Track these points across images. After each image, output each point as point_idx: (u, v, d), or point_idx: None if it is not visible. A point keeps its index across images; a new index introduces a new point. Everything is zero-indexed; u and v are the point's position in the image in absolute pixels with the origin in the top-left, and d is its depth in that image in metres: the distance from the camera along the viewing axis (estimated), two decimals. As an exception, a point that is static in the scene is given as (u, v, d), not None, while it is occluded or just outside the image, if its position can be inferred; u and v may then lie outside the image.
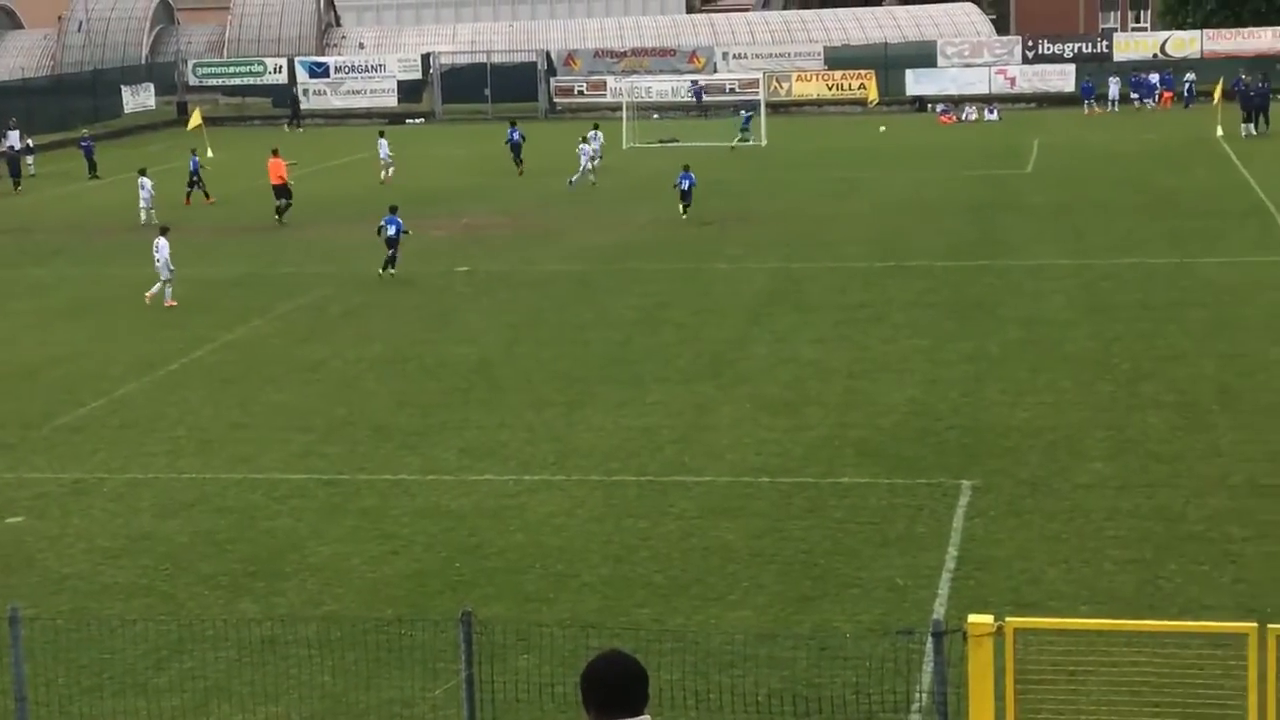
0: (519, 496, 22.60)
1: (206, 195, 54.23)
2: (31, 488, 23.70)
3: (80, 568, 20.33)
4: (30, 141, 66.94)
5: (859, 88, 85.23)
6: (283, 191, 50.50)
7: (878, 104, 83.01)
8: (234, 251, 44.63)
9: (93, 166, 64.22)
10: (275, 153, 51.66)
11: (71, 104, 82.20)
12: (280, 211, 50.23)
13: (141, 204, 49.90)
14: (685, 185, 47.08)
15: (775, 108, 78.35)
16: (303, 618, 18.06)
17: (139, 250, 42.03)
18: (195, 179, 54.46)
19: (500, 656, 15.86)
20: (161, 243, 36.55)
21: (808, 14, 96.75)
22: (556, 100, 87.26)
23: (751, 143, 67.89)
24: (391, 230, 38.90)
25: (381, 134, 61.47)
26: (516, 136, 60.51)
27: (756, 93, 75.21)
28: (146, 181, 50.09)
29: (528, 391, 28.41)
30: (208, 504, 22.71)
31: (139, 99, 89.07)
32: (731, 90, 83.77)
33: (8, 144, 64.69)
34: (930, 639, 13.32)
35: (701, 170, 53.76)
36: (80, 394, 29.13)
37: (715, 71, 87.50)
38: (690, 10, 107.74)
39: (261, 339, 33.32)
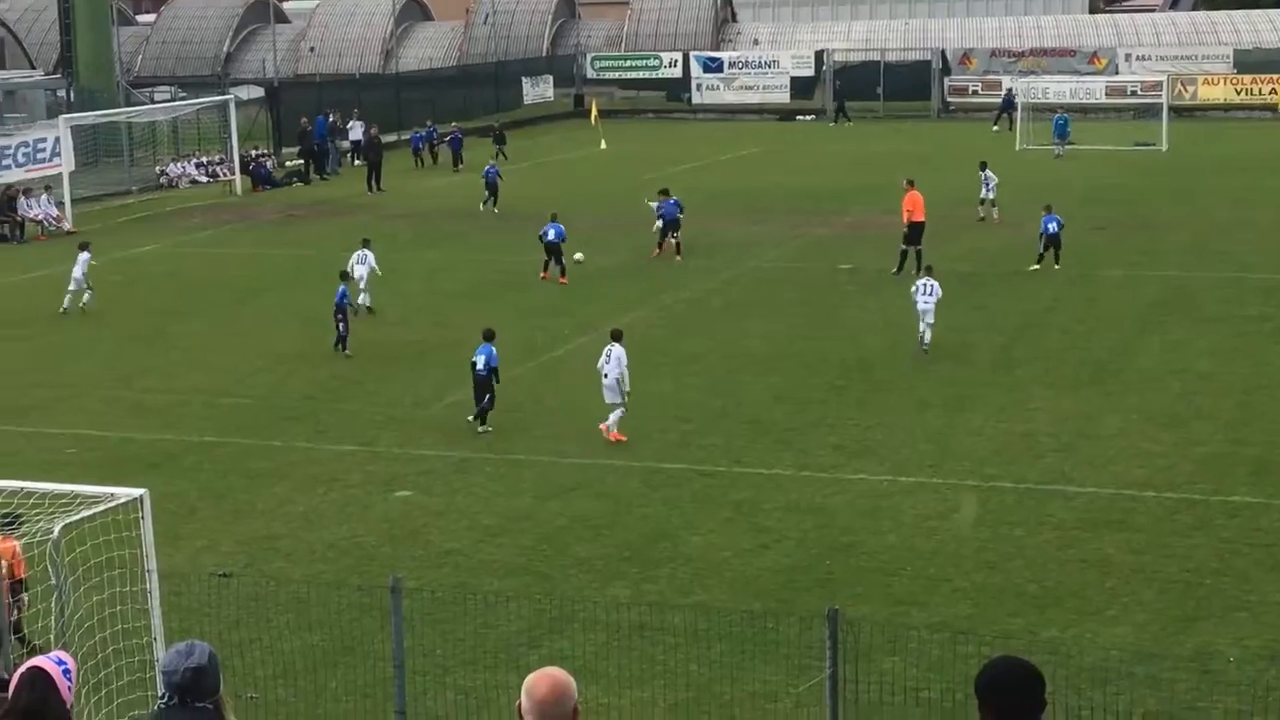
0: (893, 497, 22.35)
1: (494, 204, 52.86)
2: (420, 464, 24.52)
3: (462, 543, 20.92)
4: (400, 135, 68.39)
5: (1269, 92, 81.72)
6: (919, 230, 39.42)
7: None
8: (619, 242, 45.34)
9: (458, 159, 65.41)
10: (912, 184, 40.58)
11: (475, 94, 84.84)
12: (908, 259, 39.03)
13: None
14: (481, 363, 26.66)
15: (1178, 112, 75.70)
16: (672, 605, 18.21)
17: (523, 237, 43.14)
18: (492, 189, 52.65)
19: (866, 656, 15.66)
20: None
21: (1217, 15, 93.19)
22: (950, 100, 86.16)
23: (1152, 146, 65.79)
24: (551, 235, 38.71)
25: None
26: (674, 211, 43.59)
27: (1159, 95, 72.84)
28: (366, 254, 36.38)
29: (907, 392, 28.09)
30: (587, 488, 23.12)
31: (538, 90, 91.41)
32: (1133, 93, 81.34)
33: (351, 137, 66.62)
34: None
35: (1095, 176, 52.26)
36: (469, 375, 29.95)
37: (1116, 73, 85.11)
38: (1093, 10, 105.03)
39: (644, 328, 33.74)
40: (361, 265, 35.75)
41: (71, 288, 36.73)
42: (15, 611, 15.53)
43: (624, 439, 25.19)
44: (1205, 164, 58.99)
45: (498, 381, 26.51)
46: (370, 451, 25.23)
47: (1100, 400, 27.25)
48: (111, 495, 14.80)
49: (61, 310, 36.60)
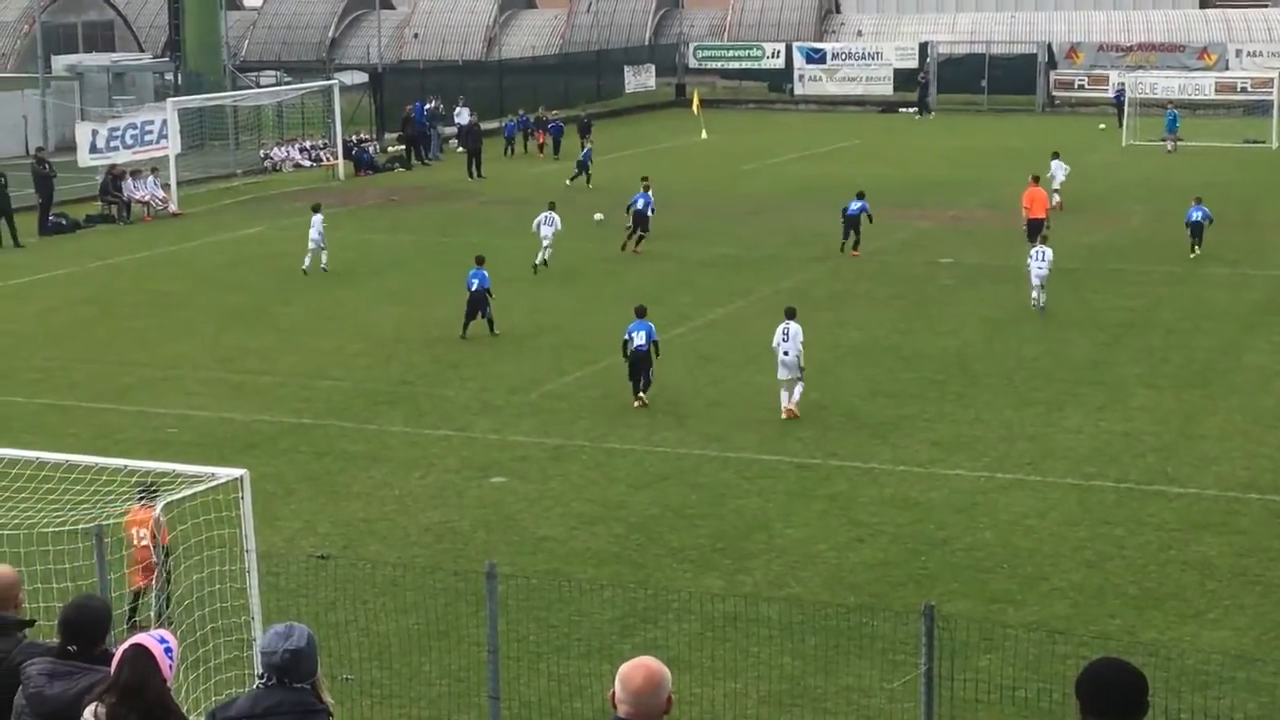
0: (990, 494, 22.17)
1: (587, 180, 54.54)
2: (515, 450, 24.58)
3: (556, 530, 20.96)
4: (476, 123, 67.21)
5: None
6: (1038, 227, 38.20)
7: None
8: (720, 232, 45.23)
9: (557, 146, 65.53)
10: (1036, 180, 41.59)
11: (576, 83, 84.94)
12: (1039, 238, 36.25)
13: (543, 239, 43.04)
14: (641, 340, 27.10)
15: (1288, 108, 74.55)
16: (766, 597, 18.15)
17: (613, 229, 43.23)
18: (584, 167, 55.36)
19: (962, 654, 15.55)
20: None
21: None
22: (1055, 94, 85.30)
23: (1261, 144, 64.84)
24: (475, 284, 32.32)
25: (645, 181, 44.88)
26: (854, 209, 41.90)
27: (1270, 92, 71.76)
28: (552, 215, 39.78)
29: (1005, 388, 27.84)
30: (680, 478, 23.09)
31: (640, 79, 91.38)
32: (1243, 89, 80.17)
33: (458, 121, 66.74)
34: None
35: (1203, 172, 51.68)
36: (565, 362, 30.07)
37: (1227, 69, 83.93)
38: (1203, 5, 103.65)
39: (743, 319, 33.65)
40: (548, 226, 39.66)
41: (311, 247, 39.62)
42: (164, 576, 16.14)
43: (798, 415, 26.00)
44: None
45: (658, 355, 27.05)
46: (466, 437, 25.33)
47: (1203, 400, 26.90)
48: (212, 475, 14.94)
49: (303, 269, 39.54)
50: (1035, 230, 38.06)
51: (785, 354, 26.25)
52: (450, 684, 16.23)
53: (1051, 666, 15.38)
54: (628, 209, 42.24)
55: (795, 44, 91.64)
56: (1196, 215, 40.33)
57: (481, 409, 26.97)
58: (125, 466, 15.45)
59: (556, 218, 39.63)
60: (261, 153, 62.56)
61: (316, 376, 29.24)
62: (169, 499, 15.20)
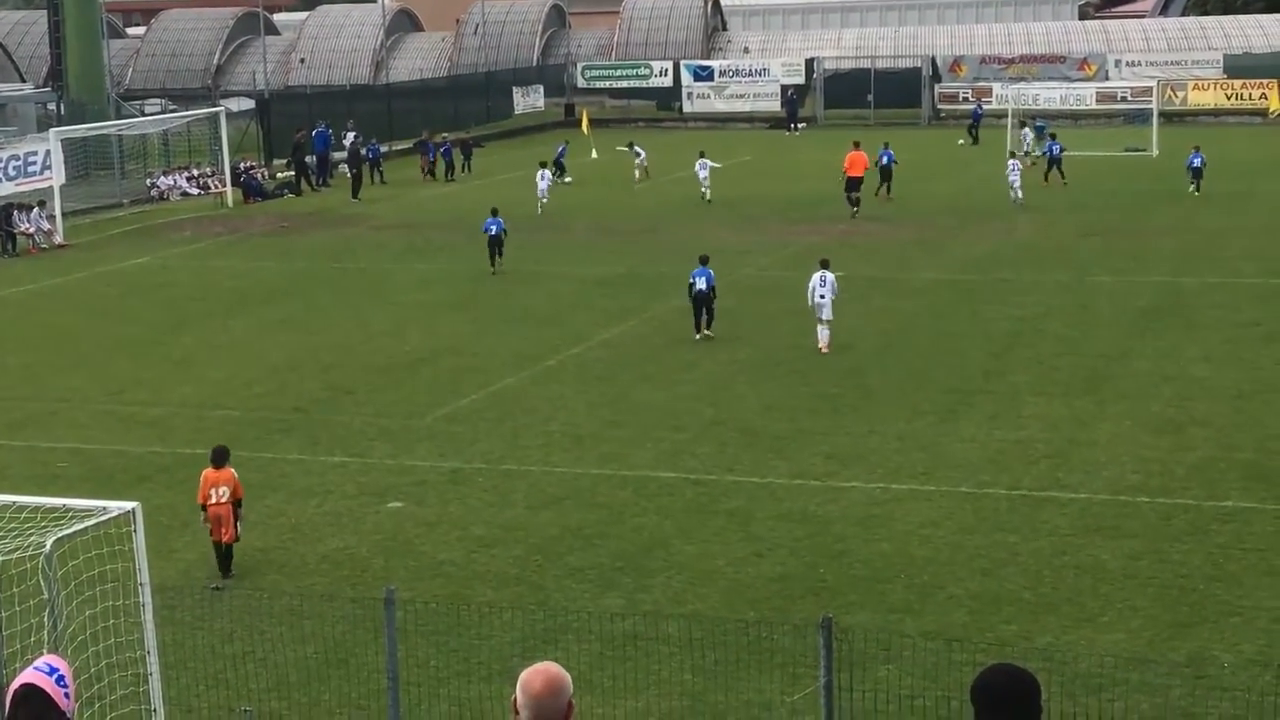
0: (886, 505, 22.34)
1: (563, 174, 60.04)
2: (412, 474, 24.49)
3: (455, 554, 20.89)
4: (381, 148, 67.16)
5: (1260, 97, 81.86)
6: (855, 184, 50.33)
7: (1278, 115, 79.63)
8: (612, 251, 45.34)
9: (450, 169, 65.54)
10: (857, 145, 51.74)
11: (465, 105, 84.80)
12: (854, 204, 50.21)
13: (539, 195, 53.09)
14: (702, 284, 32.97)
15: (1169, 117, 75.85)
16: (666, 615, 18.19)
17: (518, 246, 43.26)
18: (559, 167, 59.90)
19: (861, 665, 15.66)
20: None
21: (1207, 20, 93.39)
22: (940, 107, 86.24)
23: (1143, 152, 65.86)
24: (494, 229, 41.64)
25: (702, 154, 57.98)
26: (885, 160, 54.76)
27: (1149, 101, 72.99)
28: (546, 173, 54.23)
29: (899, 400, 28.09)
30: (579, 498, 23.09)
31: (529, 100, 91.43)
32: (1124, 99, 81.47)
33: (348, 147, 66.23)
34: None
35: (1086, 181, 52.51)
36: (461, 386, 29.99)
37: (1107, 79, 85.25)
38: (1083, 17, 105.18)
39: (637, 339, 33.75)
40: (543, 181, 52.64)
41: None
42: (238, 526, 20.13)
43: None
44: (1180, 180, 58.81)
45: (715, 298, 32.85)
46: (362, 463, 25.20)
47: (1093, 407, 27.26)
48: (104, 509, 14.75)
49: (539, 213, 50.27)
50: (853, 186, 49.53)
51: (822, 298, 31.18)
52: (351, 713, 16.13)
53: (949, 675, 15.52)
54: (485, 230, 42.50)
55: (683, 62, 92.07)
56: (1196, 161, 51.52)
57: (377, 434, 26.84)
58: (14, 503, 15.22)
59: (709, 161, 53.99)
60: (148, 182, 61.95)
61: (210, 406, 28.97)
62: (60, 534, 14.99)
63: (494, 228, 41.58)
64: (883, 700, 15.19)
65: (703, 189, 54.95)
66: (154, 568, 15.37)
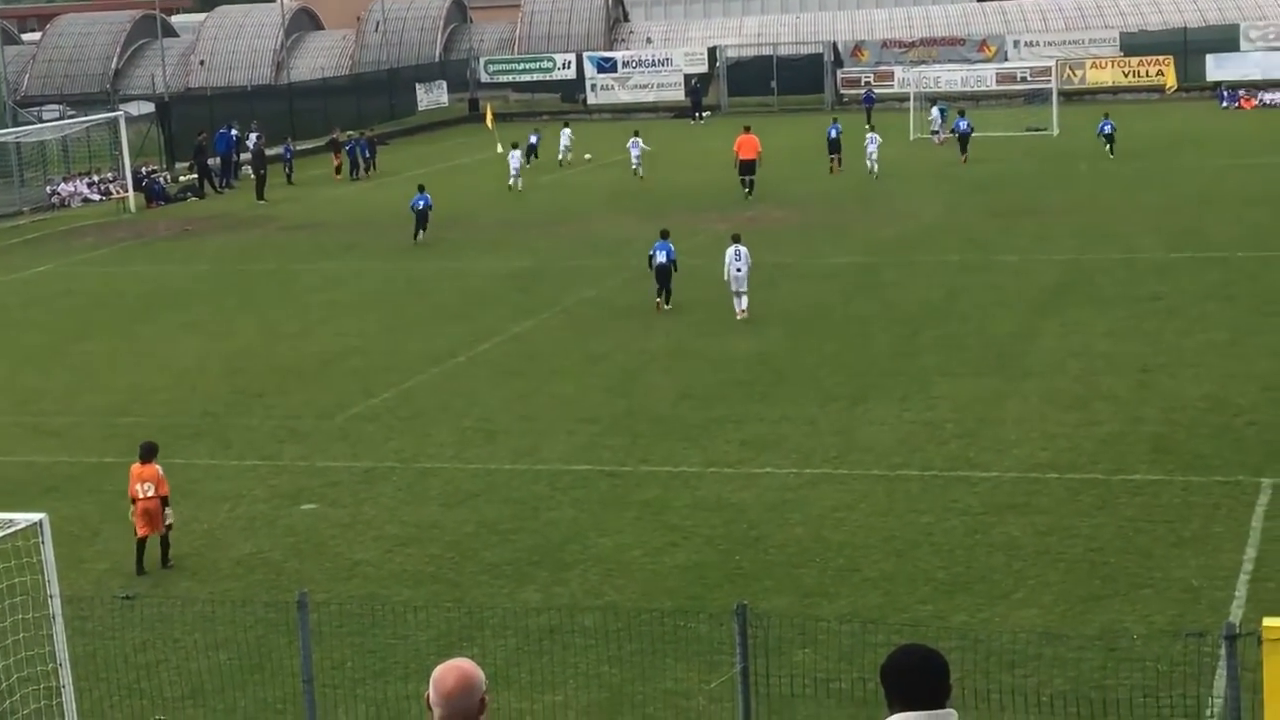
0: (800, 490, 22.45)
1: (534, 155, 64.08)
2: (325, 476, 24.35)
3: (370, 554, 20.80)
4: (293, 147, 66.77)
5: (1157, 74, 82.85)
6: (749, 167, 52.18)
7: (1176, 90, 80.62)
8: (521, 245, 45.27)
9: (355, 167, 65.12)
10: (748, 129, 54.38)
11: (369, 103, 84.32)
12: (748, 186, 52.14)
13: (511, 174, 57.78)
14: (662, 258, 34.66)
15: (1068, 96, 76.57)
16: (583, 607, 18.19)
17: (424, 246, 43.14)
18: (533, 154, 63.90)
19: (778, 650, 15.73)
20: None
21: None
22: (843, 92, 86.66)
23: (1043, 131, 66.50)
24: (421, 205, 46.02)
25: (636, 133, 61.87)
26: (834, 133, 59.12)
27: (1048, 81, 73.69)
28: (516, 153, 58.53)
29: (810, 385, 28.22)
30: (493, 494, 23.05)
31: (432, 96, 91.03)
32: (1024, 79, 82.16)
33: (252, 148, 65.71)
34: (1224, 642, 12.80)
35: (988, 163, 52.97)
36: (372, 385, 29.85)
37: (1007, 60, 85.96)
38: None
39: (547, 332, 33.72)
40: (514, 161, 57.25)
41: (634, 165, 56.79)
42: (166, 523, 20.46)
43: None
44: (1095, 148, 59.62)
45: (676, 270, 34.25)
46: (273, 466, 25.02)
47: (1001, 385, 27.50)
48: (10, 521, 14.58)
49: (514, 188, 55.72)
50: (747, 170, 51.31)
51: (738, 270, 32.92)
52: (269, 718, 16.02)
53: (866, 656, 15.59)
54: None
55: (586, 54, 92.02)
56: (1107, 128, 57.02)
57: (288, 436, 26.67)
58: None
59: (640, 141, 59.04)
60: (48, 189, 61.21)
61: (117, 414, 28.67)
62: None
63: (420, 203, 45.91)
64: (799, 684, 15.26)
65: (634, 166, 59.11)
66: (64, 578, 15.22)
